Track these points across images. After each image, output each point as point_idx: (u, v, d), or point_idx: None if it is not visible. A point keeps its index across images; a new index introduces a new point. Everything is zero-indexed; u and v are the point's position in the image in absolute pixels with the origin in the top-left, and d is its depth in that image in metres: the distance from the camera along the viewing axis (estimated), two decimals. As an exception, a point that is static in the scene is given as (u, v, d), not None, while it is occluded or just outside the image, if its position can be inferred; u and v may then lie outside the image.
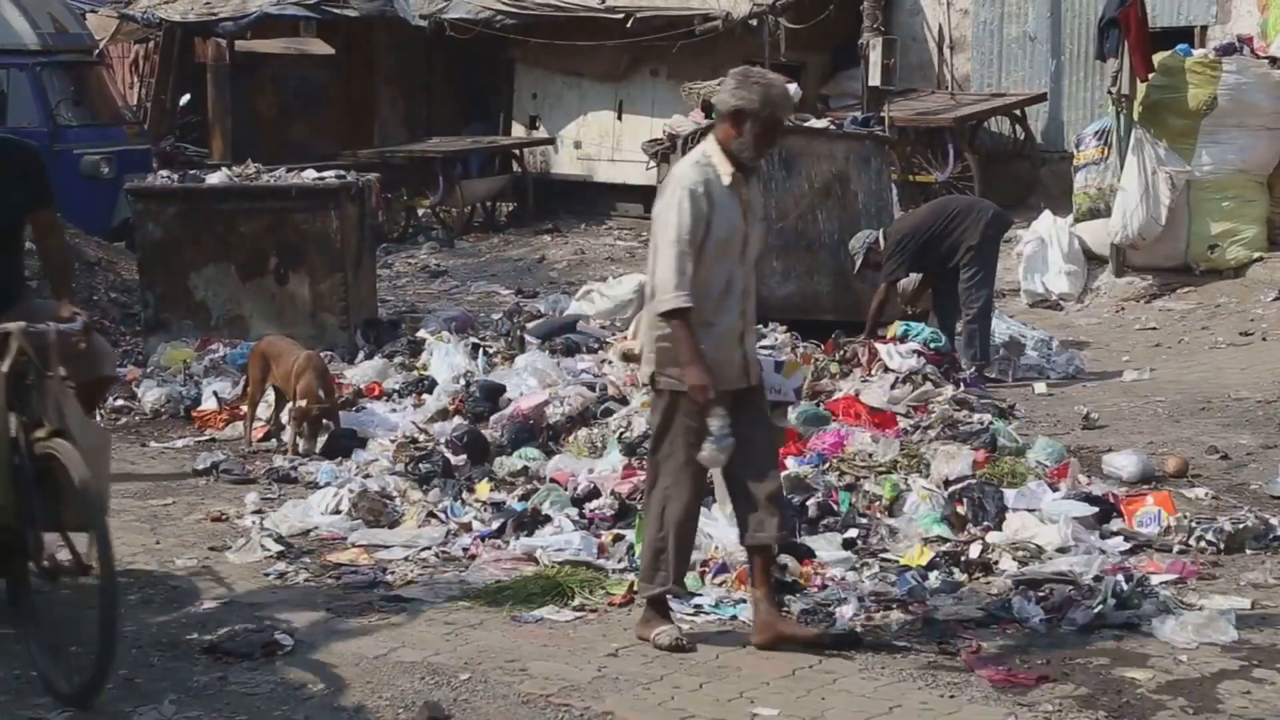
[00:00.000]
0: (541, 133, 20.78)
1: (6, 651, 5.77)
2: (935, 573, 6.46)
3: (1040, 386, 10.59)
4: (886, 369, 9.84)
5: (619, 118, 20.14)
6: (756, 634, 5.76)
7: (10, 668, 5.61)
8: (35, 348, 5.40)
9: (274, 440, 9.18)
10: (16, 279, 5.99)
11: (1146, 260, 13.89)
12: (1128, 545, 6.87)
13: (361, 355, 11.17)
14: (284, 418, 9.12)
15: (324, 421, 8.95)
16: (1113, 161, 13.93)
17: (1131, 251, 13.88)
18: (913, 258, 10.81)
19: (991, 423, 8.64)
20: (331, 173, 12.34)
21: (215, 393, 10.03)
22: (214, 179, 12.14)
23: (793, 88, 13.87)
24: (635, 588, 6.06)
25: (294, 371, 8.89)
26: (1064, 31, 17.63)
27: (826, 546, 6.77)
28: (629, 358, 9.79)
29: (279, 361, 9.05)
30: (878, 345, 10.07)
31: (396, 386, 10.15)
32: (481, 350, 10.79)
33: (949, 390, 9.53)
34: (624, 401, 9.18)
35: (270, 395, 9.39)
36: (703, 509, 7.13)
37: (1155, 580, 6.35)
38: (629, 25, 19.05)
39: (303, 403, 8.75)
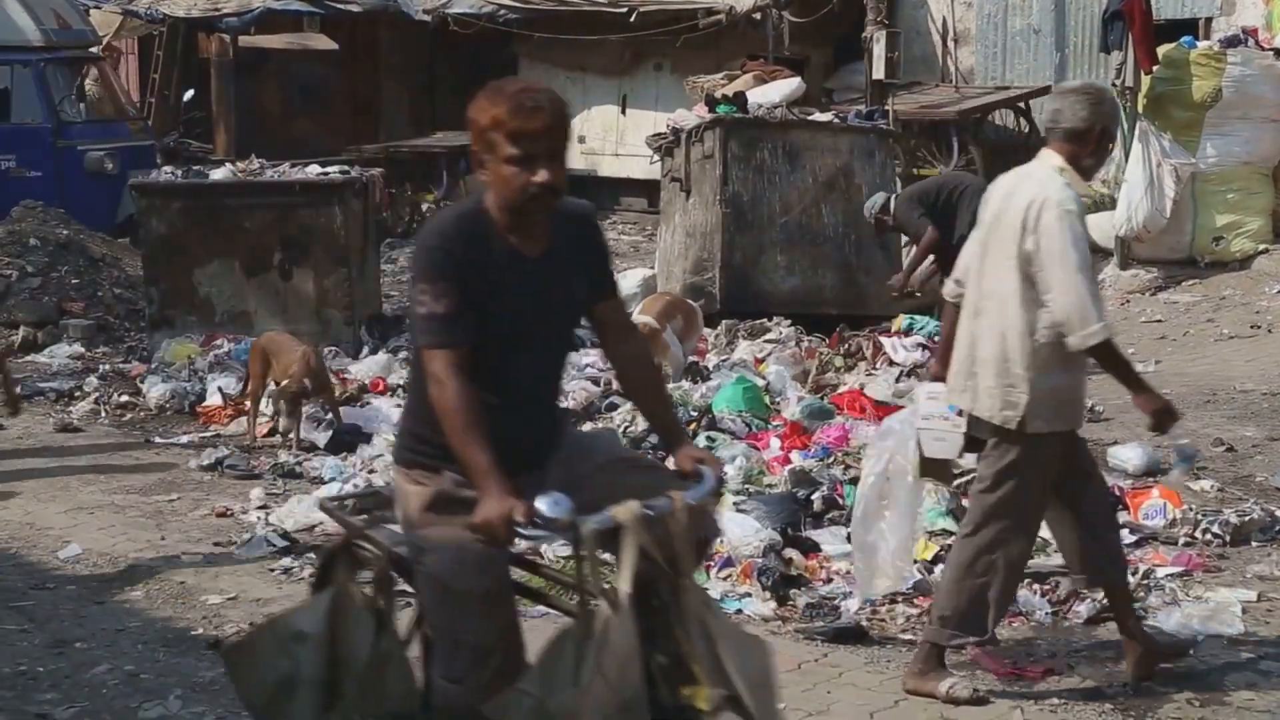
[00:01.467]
0: (545, 127, 20.76)
1: (11, 648, 5.78)
2: (940, 566, 6.45)
3: (1045, 380, 10.56)
4: (891, 362, 9.85)
5: (623, 112, 20.14)
6: (1133, 665, 5.44)
7: (15, 664, 5.61)
8: (655, 539, 3.56)
9: (278, 436, 9.18)
10: (560, 404, 4.13)
11: (1151, 253, 13.87)
12: (1133, 538, 6.85)
13: (366, 350, 11.19)
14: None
15: (305, 403, 8.98)
16: (1117, 154, 13.91)
17: (1136, 244, 13.86)
18: (929, 210, 10.56)
19: (996, 416, 8.61)
20: (335, 168, 12.38)
21: (220, 388, 10.04)
22: (218, 175, 12.16)
23: (795, 82, 13.95)
24: (930, 633, 5.35)
25: (290, 366, 8.90)
26: (1068, 24, 17.62)
27: (832, 540, 6.76)
28: None
29: (278, 358, 9.06)
30: (882, 339, 10.06)
31: (401, 382, 10.15)
32: (486, 345, 10.78)
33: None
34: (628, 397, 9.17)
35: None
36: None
37: (1161, 573, 6.36)
38: (632, 20, 19.06)
39: (285, 381, 8.79)
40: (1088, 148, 5.26)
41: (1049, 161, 5.27)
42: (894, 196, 11.00)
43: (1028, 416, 5.15)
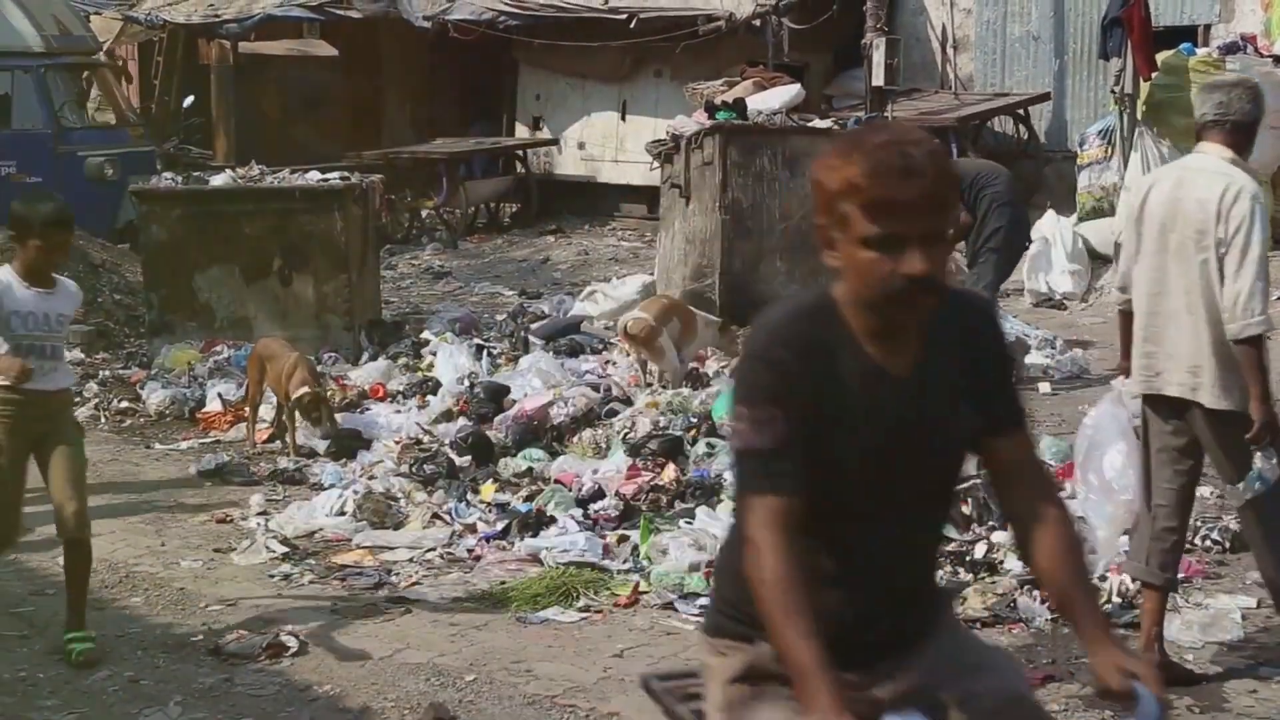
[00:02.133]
0: (545, 134, 20.79)
1: (11, 653, 5.78)
2: (940, 573, 6.46)
3: (1044, 386, 10.58)
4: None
5: (622, 118, 20.15)
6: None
7: (16, 670, 5.61)
8: None
9: (278, 442, 9.19)
10: (933, 580, 3.05)
11: (1151, 259, 13.86)
12: (1133, 544, 6.85)
13: (365, 356, 11.19)
14: (285, 419, 9.12)
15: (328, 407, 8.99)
16: (1116, 161, 13.92)
17: (1136, 251, 13.86)
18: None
19: (996, 422, 8.61)
20: (335, 174, 12.37)
21: (220, 394, 10.04)
22: (218, 181, 12.16)
23: (795, 89, 13.94)
24: None
25: (284, 373, 8.90)
26: (1067, 31, 17.64)
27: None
28: (634, 339, 9.76)
29: (272, 364, 9.07)
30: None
31: (400, 388, 10.15)
32: (485, 351, 10.81)
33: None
34: (628, 402, 9.17)
35: (273, 396, 9.40)
36: (708, 510, 7.18)
37: (1160, 579, 6.35)
38: (632, 26, 19.06)
39: (303, 389, 8.75)
40: (1249, 140, 5.34)
41: (1217, 153, 5.27)
42: None
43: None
